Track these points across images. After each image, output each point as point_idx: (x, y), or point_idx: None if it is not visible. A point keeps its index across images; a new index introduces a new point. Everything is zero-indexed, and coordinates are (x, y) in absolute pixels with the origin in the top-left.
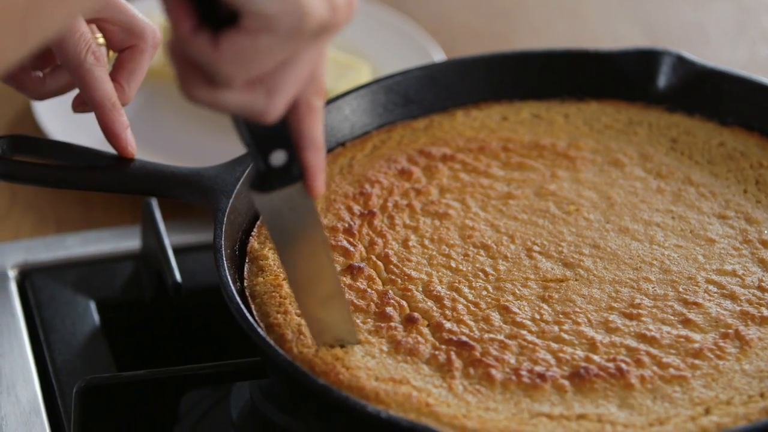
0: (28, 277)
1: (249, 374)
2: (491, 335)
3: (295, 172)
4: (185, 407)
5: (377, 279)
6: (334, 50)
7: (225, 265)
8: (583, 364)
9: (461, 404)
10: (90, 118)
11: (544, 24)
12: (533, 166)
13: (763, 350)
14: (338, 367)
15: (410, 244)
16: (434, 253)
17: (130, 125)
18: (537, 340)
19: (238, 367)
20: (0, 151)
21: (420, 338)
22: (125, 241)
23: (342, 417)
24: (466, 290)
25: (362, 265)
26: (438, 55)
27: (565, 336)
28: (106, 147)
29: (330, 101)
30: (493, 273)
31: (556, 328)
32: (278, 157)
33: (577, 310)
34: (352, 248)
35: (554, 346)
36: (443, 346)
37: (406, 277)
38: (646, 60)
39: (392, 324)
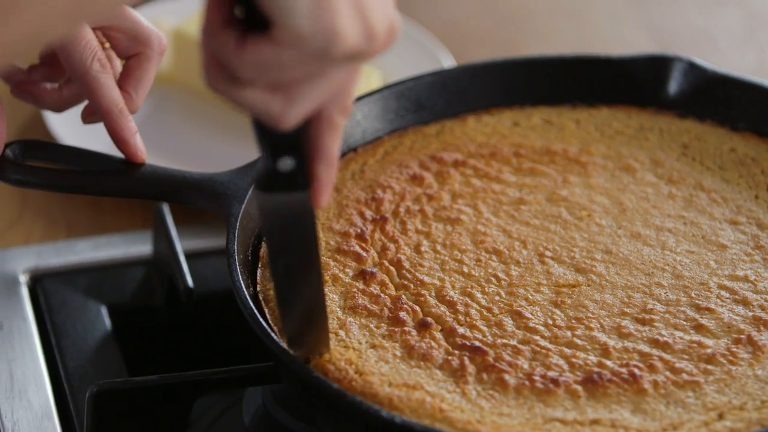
0: (39, 282)
1: (261, 379)
2: (504, 340)
3: (300, 182)
4: (197, 412)
5: (390, 284)
6: None
7: (238, 270)
8: (596, 369)
9: (475, 410)
10: (100, 123)
11: (553, 30)
12: (545, 172)
13: None
14: (351, 372)
15: (422, 249)
16: (446, 258)
17: (140, 131)
18: (550, 346)
19: (251, 372)
20: (12, 156)
21: (433, 343)
22: (137, 246)
23: (356, 423)
24: (478, 295)
25: (375, 270)
26: (448, 61)
27: (578, 341)
28: (116, 152)
29: None
30: (506, 278)
31: (568, 333)
32: (286, 163)
33: (590, 315)
34: (364, 253)
35: (567, 351)
36: (456, 352)
37: (418, 283)
38: (657, 66)
39: (406, 328)
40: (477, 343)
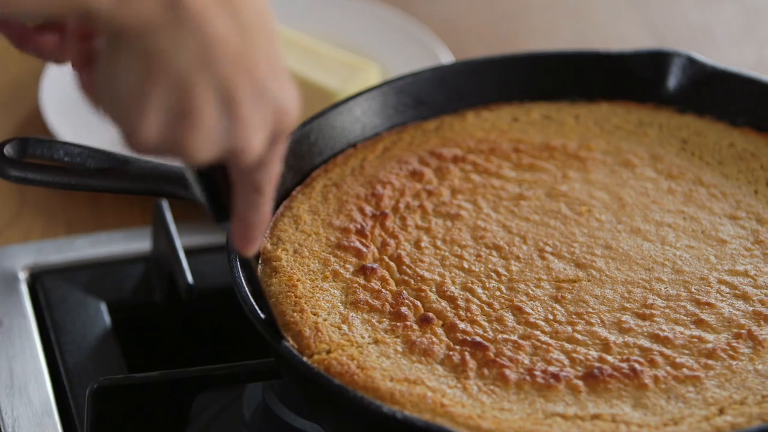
0: (38, 279)
1: (262, 375)
2: (505, 336)
3: (216, 217)
4: (197, 408)
5: (390, 280)
6: (343, 52)
7: (239, 266)
8: (597, 364)
9: (476, 404)
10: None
11: (551, 25)
12: (544, 167)
13: None
14: (353, 367)
15: (422, 245)
16: (447, 254)
17: None
18: (550, 341)
19: (251, 369)
20: (12, 154)
21: (434, 339)
22: (136, 242)
23: (357, 418)
24: (479, 290)
25: (375, 266)
26: (446, 57)
27: (579, 336)
28: (115, 148)
29: (341, 103)
30: (506, 273)
31: (569, 328)
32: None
33: (590, 310)
34: (364, 249)
35: (568, 346)
36: (457, 347)
37: (419, 278)
38: (657, 61)
39: (407, 323)
40: (478, 339)
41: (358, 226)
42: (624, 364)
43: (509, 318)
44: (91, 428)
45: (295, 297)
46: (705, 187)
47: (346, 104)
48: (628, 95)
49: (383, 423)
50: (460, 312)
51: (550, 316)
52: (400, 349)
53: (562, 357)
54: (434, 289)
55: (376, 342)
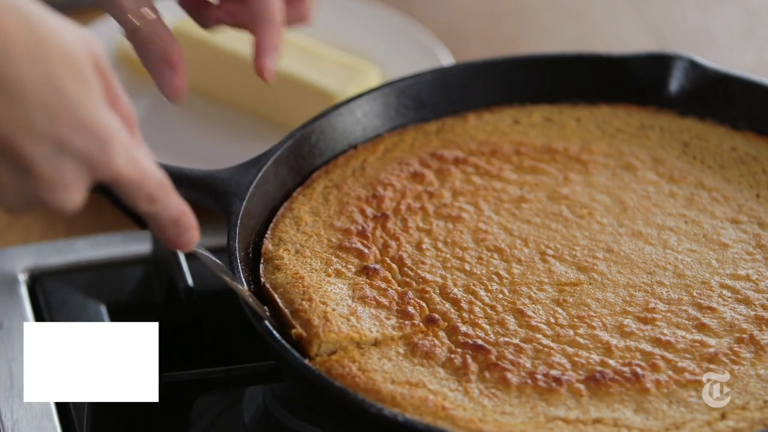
0: (38, 281)
1: (262, 378)
2: (507, 339)
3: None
4: (197, 411)
5: (393, 281)
6: (343, 54)
7: (240, 267)
8: (599, 368)
9: (477, 408)
10: None
11: (552, 27)
12: (546, 170)
13: None
14: (354, 369)
15: (424, 247)
16: (448, 256)
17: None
18: (552, 344)
19: (252, 371)
20: None
21: (436, 341)
22: (136, 244)
23: (358, 420)
24: (482, 293)
25: (378, 266)
26: (446, 59)
27: (581, 340)
28: None
29: (342, 104)
30: (507, 276)
31: (571, 332)
32: None
33: (592, 314)
34: (366, 250)
35: (569, 350)
36: (459, 350)
37: (421, 280)
38: (658, 64)
39: (415, 322)
40: (480, 342)
41: (360, 228)
42: (626, 368)
43: (511, 321)
44: (91, 431)
45: (303, 287)
46: (707, 190)
47: (347, 105)
48: (630, 98)
49: (384, 426)
50: (464, 314)
51: (552, 320)
52: (401, 351)
53: (564, 361)
54: (437, 291)
55: (377, 344)
